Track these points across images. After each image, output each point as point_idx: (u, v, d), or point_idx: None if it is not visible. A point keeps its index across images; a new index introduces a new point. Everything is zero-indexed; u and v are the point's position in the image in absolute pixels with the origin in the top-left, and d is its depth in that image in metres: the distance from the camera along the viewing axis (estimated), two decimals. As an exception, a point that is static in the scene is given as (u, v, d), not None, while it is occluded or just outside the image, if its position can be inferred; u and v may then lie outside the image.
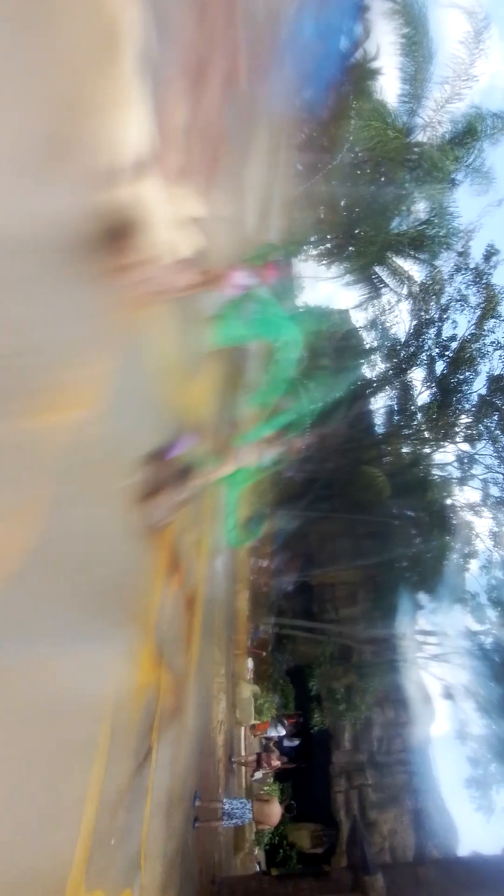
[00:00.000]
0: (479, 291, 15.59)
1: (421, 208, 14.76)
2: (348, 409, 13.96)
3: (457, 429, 16.68)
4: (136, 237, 2.43)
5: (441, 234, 13.97)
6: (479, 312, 15.50)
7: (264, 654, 12.06)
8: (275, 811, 7.22)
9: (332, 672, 12.88)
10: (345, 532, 15.98)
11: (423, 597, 16.09)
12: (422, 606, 17.44)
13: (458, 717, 14.13)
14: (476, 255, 15.85)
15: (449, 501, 16.05)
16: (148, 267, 2.65)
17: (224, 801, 6.68)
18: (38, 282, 2.05)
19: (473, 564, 17.57)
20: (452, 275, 15.93)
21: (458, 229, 14.90)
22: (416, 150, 13.18)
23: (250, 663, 11.14)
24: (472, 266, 15.62)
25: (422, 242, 14.36)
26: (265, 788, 8.71)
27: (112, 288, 2.64)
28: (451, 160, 12.37)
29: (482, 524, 19.02)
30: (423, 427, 16.78)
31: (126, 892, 3.33)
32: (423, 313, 16.08)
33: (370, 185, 13.66)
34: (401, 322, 17.46)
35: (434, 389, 16.71)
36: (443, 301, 15.93)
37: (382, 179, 13.74)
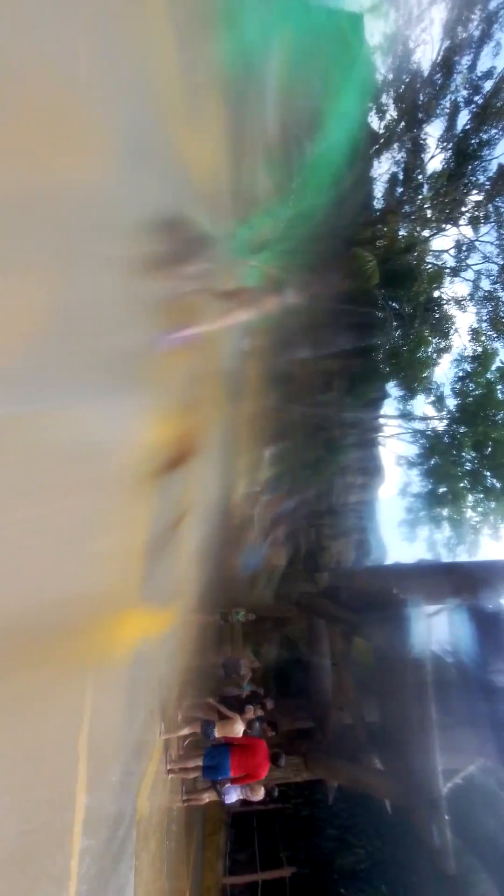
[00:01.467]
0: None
1: None
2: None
3: (463, 208, 14.83)
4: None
5: None
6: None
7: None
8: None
9: (304, 445, 14.88)
10: (327, 322, 15.85)
11: (392, 387, 17.35)
12: (389, 395, 19.01)
13: (402, 480, 17.27)
14: None
15: (436, 294, 15.58)
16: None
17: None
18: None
19: (445, 359, 18.39)
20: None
21: None
22: None
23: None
24: None
25: None
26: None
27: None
28: None
29: (463, 319, 18.96)
30: (427, 204, 14.81)
31: (175, 603, 4.55)
32: (459, 27, 12.13)
33: None
34: (428, 41, 13.28)
35: (449, 152, 14.07)
36: (491, 5, 11.84)
37: None
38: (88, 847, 2.76)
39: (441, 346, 16.78)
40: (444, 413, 16.81)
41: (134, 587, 3.50)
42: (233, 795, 5.23)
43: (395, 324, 15.49)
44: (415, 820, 8.28)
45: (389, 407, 18.29)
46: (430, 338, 15.80)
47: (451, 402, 17.07)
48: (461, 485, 15.16)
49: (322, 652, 11.31)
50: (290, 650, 12.14)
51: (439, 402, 16.94)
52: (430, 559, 14.25)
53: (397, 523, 16.85)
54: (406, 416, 16.85)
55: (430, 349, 15.96)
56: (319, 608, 10.66)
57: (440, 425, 16.82)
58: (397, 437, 16.80)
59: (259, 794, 5.25)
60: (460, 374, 16.21)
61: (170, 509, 4.68)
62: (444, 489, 15.26)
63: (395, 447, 17.43)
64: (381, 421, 17.49)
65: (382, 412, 17.66)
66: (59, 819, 2.51)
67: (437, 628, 12.96)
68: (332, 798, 10.68)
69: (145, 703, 4.38)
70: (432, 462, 15.69)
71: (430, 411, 17.53)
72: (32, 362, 1.94)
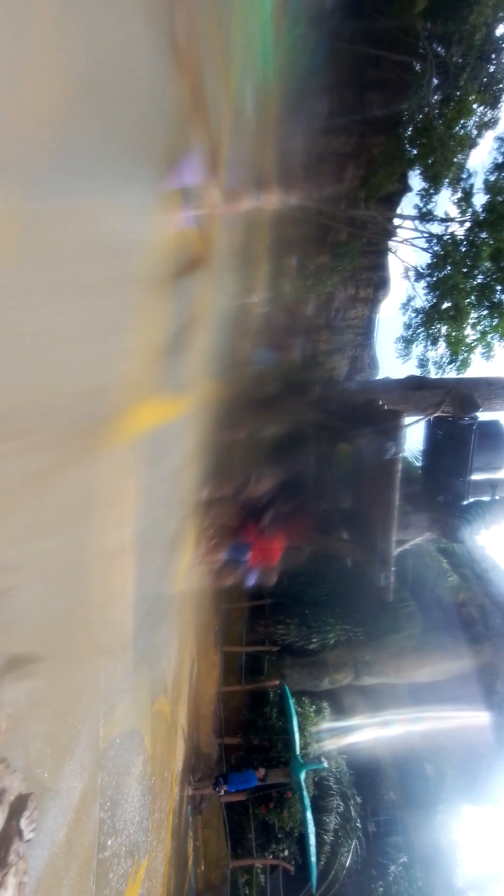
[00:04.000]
0: None
1: None
2: None
3: None
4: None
5: None
6: None
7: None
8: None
9: (306, 251, 13.47)
10: (350, 76, 12.38)
11: (415, 176, 14.70)
12: (410, 189, 16.26)
13: (406, 294, 16.31)
14: None
15: (500, 30, 11.67)
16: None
17: None
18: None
19: (487, 138, 15.06)
20: None
21: None
22: None
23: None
24: None
25: None
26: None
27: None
28: None
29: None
30: None
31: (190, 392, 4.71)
32: None
33: None
34: None
35: None
36: None
37: None
38: (138, 610, 3.61)
39: (486, 120, 13.54)
40: (469, 214, 14.73)
41: (154, 379, 3.68)
42: (251, 580, 6.68)
43: (435, 81, 12.12)
44: (368, 570, 10.64)
45: (407, 206, 15.86)
46: (474, 104, 12.58)
47: (479, 201, 14.80)
48: (467, 301, 14.43)
49: (308, 454, 12.61)
50: (280, 453, 13.45)
51: (466, 198, 14.63)
52: (418, 376, 14.63)
53: (393, 340, 16.66)
54: (425, 216, 14.75)
55: (471, 122, 12.89)
56: (309, 417, 11.41)
57: (460, 230, 14.95)
58: (410, 242, 15.06)
59: (272, 580, 6.70)
60: (499, 159, 13.54)
61: (185, 311, 4.57)
62: (448, 304, 14.56)
63: (405, 255, 15.85)
64: (396, 222, 15.40)
65: (399, 211, 15.39)
66: (114, 597, 3.20)
67: (412, 437, 14.16)
68: (303, 558, 13.54)
69: (179, 498, 5.10)
70: (443, 273, 14.52)
71: (453, 212, 15.32)
72: (54, 150, 1.88)
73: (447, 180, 13.68)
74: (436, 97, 12.71)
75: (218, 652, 11.73)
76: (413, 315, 15.82)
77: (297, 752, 9.52)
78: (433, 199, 14.63)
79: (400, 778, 13.33)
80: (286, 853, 9.98)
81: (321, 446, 12.56)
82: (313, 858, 8.89)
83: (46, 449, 2.00)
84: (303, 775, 9.28)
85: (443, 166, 13.05)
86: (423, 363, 16.33)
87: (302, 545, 12.56)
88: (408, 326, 15.74)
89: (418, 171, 14.26)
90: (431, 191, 14.22)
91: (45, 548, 2.07)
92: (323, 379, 14.49)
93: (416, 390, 12.55)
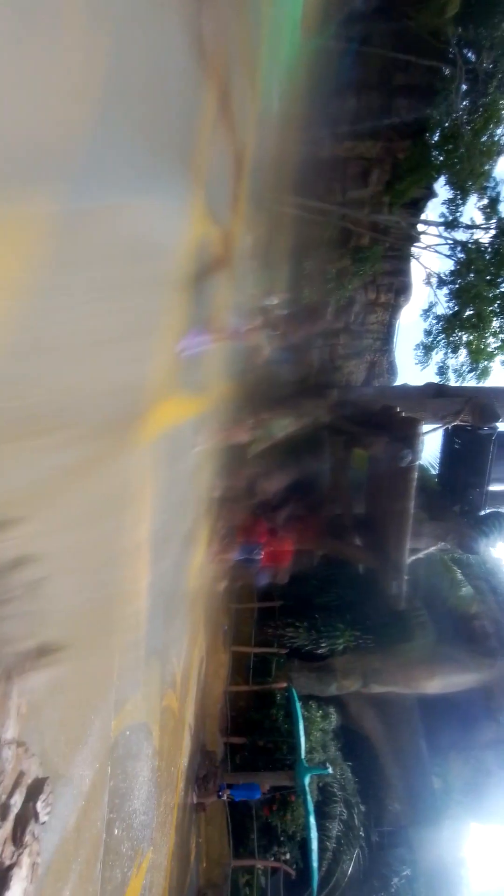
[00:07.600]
0: None
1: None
2: None
3: None
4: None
5: None
6: None
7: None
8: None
9: (327, 255, 13.48)
10: (377, 79, 12.38)
11: (441, 184, 14.57)
12: (436, 195, 16.12)
13: (427, 301, 16.12)
14: None
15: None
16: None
17: None
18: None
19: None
20: None
21: None
22: None
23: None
24: None
25: None
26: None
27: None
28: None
29: None
30: None
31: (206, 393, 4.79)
32: None
33: None
34: None
35: None
36: None
37: None
38: (152, 606, 3.71)
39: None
40: (494, 222, 14.54)
41: (175, 378, 3.77)
42: (263, 579, 6.85)
43: (464, 87, 12.02)
44: (380, 577, 10.57)
45: (433, 211, 15.70)
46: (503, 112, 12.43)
47: (504, 208, 14.55)
48: (490, 308, 14.23)
49: (322, 457, 12.60)
50: (294, 454, 13.45)
51: (492, 206, 14.44)
52: (437, 383, 14.48)
53: (413, 346, 16.50)
54: (450, 224, 14.59)
55: (499, 130, 12.74)
56: (324, 420, 11.41)
57: (485, 237, 14.77)
58: (434, 248, 14.91)
59: (284, 579, 6.87)
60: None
61: (205, 312, 4.67)
62: (471, 312, 14.37)
63: (428, 261, 15.69)
64: (420, 228, 15.27)
65: (423, 216, 15.27)
66: (131, 591, 3.31)
67: (429, 444, 14.01)
68: (315, 561, 13.47)
69: (194, 496, 5.21)
70: (466, 281, 14.34)
71: (479, 218, 15.12)
72: (90, 152, 1.93)
73: (473, 187, 13.52)
74: (464, 103, 12.59)
75: (226, 651, 11.78)
76: (434, 322, 15.64)
77: (303, 756, 9.51)
78: (459, 209, 14.46)
79: (406, 790, 13.15)
80: (288, 856, 9.96)
81: (336, 450, 12.53)
82: (315, 863, 8.86)
83: (80, 444, 2.09)
84: (307, 780, 9.26)
85: (469, 174, 12.91)
86: (442, 371, 16.13)
87: (313, 548, 12.53)
88: (428, 333, 15.58)
89: (444, 178, 14.13)
90: (458, 200, 14.06)
91: (76, 540, 2.15)
92: (340, 383, 14.46)
93: (435, 398, 12.42)
